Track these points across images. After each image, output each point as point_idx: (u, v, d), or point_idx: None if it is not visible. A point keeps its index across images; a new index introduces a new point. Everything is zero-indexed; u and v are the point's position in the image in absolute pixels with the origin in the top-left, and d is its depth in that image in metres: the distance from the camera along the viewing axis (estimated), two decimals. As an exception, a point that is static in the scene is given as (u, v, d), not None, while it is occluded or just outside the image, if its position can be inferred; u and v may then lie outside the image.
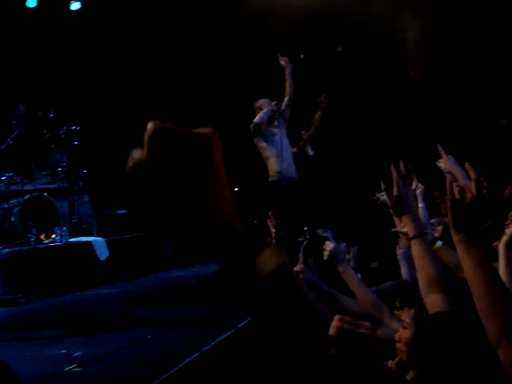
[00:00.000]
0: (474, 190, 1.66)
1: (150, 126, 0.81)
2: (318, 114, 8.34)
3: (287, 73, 7.19)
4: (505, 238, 2.61)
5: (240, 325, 4.41)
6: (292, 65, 7.24)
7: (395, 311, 2.74)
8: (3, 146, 7.63)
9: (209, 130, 0.82)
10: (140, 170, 0.83)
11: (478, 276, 1.61)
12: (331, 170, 10.40)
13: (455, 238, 1.68)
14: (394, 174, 2.56)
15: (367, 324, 1.34)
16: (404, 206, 2.50)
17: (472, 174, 1.73)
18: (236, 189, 11.90)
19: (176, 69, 10.74)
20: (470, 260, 1.62)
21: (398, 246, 3.90)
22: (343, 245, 4.68)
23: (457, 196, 1.69)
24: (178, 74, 10.74)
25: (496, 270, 1.69)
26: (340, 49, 12.92)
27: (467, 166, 1.79)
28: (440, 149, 3.72)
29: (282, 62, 7.21)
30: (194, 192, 0.80)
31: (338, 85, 11.45)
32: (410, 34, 12.04)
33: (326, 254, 3.45)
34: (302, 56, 12.13)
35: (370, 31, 11.48)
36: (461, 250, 1.66)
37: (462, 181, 4.83)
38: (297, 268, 3.57)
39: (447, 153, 3.75)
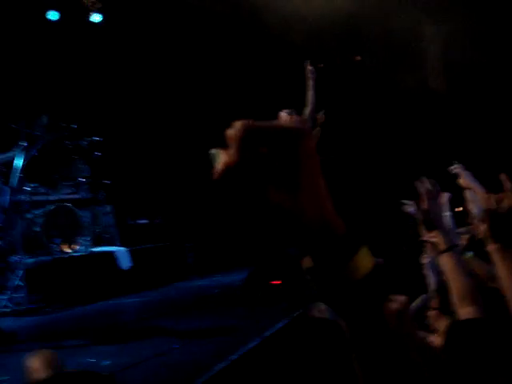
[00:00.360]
0: (510, 199, 1.67)
1: (237, 125, 0.74)
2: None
3: (311, 83, 7.11)
4: None
5: (266, 334, 4.42)
6: (316, 75, 7.16)
7: (429, 312, 2.75)
8: (28, 157, 7.72)
9: (300, 123, 0.76)
10: (230, 175, 0.74)
11: None
12: (351, 179, 10.39)
13: (491, 247, 1.68)
14: (422, 188, 2.56)
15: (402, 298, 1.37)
16: (435, 220, 2.50)
17: (507, 184, 1.73)
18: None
19: (198, 81, 10.81)
20: (507, 268, 1.62)
21: (423, 256, 3.88)
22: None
23: (492, 206, 1.70)
24: (201, 85, 10.82)
25: None
26: (359, 58, 12.92)
27: (502, 176, 1.79)
28: (456, 167, 3.71)
29: (308, 70, 7.11)
30: (292, 192, 0.75)
31: (356, 94, 11.45)
32: (430, 43, 12.02)
33: None
34: (321, 65, 12.13)
35: (390, 40, 11.50)
36: (497, 260, 1.66)
37: (482, 195, 4.84)
38: None
39: (466, 164, 3.75)
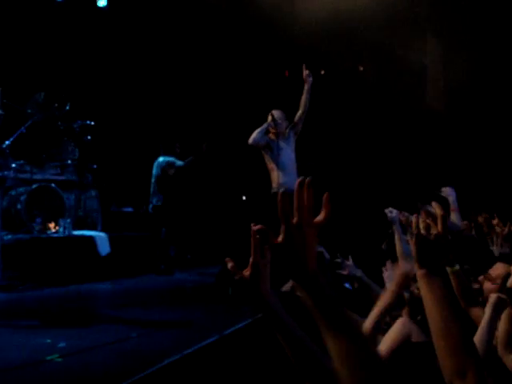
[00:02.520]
0: (439, 227, 1.67)
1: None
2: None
3: (307, 86, 7.14)
4: (492, 300, 2.57)
5: (226, 332, 4.43)
6: (312, 79, 7.18)
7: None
8: (16, 134, 7.71)
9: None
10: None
11: (437, 313, 1.60)
12: (341, 188, 10.41)
13: (418, 272, 1.68)
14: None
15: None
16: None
17: (438, 211, 1.72)
18: (244, 197, 11.95)
19: (192, 73, 10.80)
20: (431, 296, 1.62)
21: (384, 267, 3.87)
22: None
23: (422, 231, 1.69)
24: (195, 77, 10.80)
25: (457, 309, 1.67)
26: (361, 68, 12.91)
27: (434, 204, 1.79)
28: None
29: (305, 74, 7.13)
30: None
31: (354, 104, 11.46)
32: (431, 60, 12.03)
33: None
34: (322, 72, 12.13)
35: (392, 54, 11.52)
36: (422, 286, 1.66)
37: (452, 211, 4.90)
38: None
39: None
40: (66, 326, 4.73)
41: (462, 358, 1.53)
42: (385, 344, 2.80)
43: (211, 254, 9.33)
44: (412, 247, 1.67)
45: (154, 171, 8.78)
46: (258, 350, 4.04)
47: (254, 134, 6.91)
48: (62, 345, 3.96)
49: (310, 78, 7.16)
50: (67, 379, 3.38)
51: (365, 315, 3.09)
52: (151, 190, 8.81)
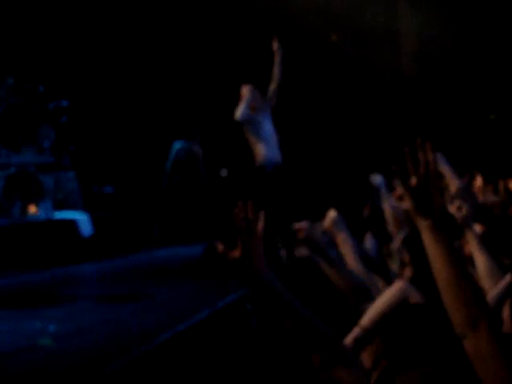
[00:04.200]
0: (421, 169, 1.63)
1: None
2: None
3: (277, 58, 7.10)
4: (477, 233, 2.61)
5: (218, 307, 4.44)
6: (284, 51, 7.15)
7: None
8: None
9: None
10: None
11: (446, 266, 1.59)
12: (320, 157, 10.43)
13: (422, 224, 1.64)
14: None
15: None
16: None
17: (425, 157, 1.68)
18: (226, 173, 11.90)
19: (164, 44, 10.60)
20: (437, 249, 1.60)
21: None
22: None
23: (413, 180, 1.65)
24: (167, 49, 10.60)
25: (463, 260, 1.68)
26: (334, 37, 12.84)
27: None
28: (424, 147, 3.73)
29: (275, 45, 7.09)
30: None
31: (329, 74, 11.41)
32: (405, 24, 11.99)
33: (327, 221, 3.34)
34: (296, 44, 12.02)
35: (365, 20, 11.46)
36: (428, 238, 1.63)
37: (450, 179, 4.87)
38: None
39: (436, 148, 3.78)
40: (54, 309, 4.71)
41: (473, 309, 1.53)
42: (377, 309, 2.80)
43: (195, 231, 9.31)
44: (407, 200, 1.63)
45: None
46: (250, 324, 4.07)
47: (241, 110, 6.85)
48: (52, 328, 3.93)
49: (281, 50, 7.12)
50: (62, 362, 3.37)
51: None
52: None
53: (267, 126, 7.04)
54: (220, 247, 1.67)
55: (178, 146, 8.83)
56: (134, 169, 10.16)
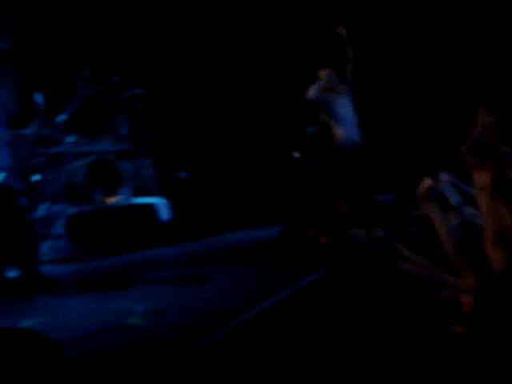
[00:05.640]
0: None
1: None
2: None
3: (346, 42, 7.28)
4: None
5: (299, 286, 4.47)
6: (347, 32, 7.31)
7: None
8: (70, 109, 7.86)
9: None
10: None
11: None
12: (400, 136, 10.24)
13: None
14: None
15: None
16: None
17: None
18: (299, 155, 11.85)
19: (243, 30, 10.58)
20: (490, 214, 1.75)
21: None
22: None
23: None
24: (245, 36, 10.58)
25: None
26: (407, 13, 12.49)
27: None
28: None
29: (341, 34, 7.30)
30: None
31: (404, 52, 11.14)
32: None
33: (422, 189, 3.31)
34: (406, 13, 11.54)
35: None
36: (483, 203, 1.78)
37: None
38: None
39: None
40: (139, 290, 4.88)
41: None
42: None
43: (266, 214, 9.36)
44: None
45: None
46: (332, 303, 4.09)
47: (312, 91, 7.07)
48: (140, 307, 4.09)
49: (347, 36, 7.31)
50: (149, 340, 3.51)
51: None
52: None
53: (344, 108, 7.13)
54: (311, 231, 1.72)
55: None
56: (207, 154, 10.28)
